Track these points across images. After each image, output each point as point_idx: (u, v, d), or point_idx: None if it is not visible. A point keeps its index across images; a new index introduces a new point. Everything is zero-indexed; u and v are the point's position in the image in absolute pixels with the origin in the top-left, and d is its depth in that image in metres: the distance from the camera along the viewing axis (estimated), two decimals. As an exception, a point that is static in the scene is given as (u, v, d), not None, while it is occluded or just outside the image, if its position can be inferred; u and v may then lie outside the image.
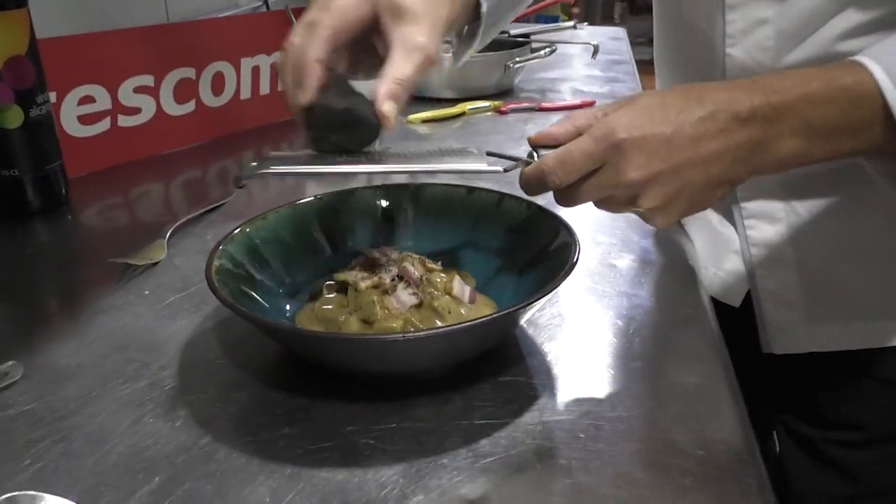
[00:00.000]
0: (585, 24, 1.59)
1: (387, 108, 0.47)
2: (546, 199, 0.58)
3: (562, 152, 0.46)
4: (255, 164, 0.50)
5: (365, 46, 0.52)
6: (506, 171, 0.50)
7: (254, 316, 0.47)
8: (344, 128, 0.48)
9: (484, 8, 0.58)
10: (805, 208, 0.62)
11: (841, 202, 0.61)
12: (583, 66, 1.42)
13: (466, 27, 0.60)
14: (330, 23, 0.47)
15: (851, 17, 0.53)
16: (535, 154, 0.49)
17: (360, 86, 0.52)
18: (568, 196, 0.48)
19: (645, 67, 1.45)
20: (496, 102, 1.12)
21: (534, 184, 0.48)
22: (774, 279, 0.65)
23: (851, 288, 0.63)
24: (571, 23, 1.45)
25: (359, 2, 0.48)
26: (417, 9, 0.48)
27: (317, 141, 0.50)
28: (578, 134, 0.47)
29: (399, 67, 0.47)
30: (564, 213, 0.55)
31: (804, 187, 0.62)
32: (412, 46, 0.48)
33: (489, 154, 0.52)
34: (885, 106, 0.45)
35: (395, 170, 0.51)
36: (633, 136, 0.44)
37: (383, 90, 0.47)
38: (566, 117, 0.49)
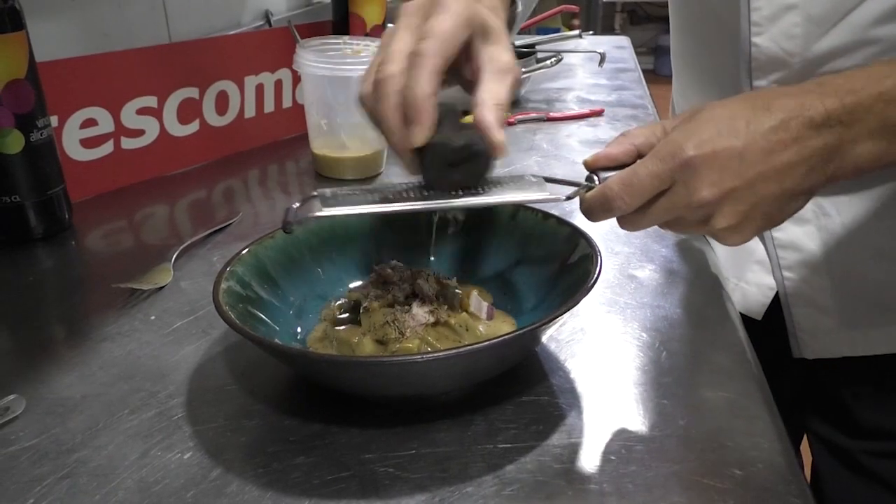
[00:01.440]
0: (591, 32, 1.58)
1: (501, 136, 0.43)
2: (561, 209, 0.56)
3: (627, 175, 0.43)
4: (298, 205, 0.46)
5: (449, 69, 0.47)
6: (568, 198, 0.47)
7: (264, 340, 0.45)
8: (464, 163, 0.44)
9: (519, 8, 0.56)
10: (834, 208, 0.60)
11: (872, 201, 0.59)
12: (588, 75, 1.41)
13: None
14: (437, 51, 0.42)
15: (883, 0, 0.51)
16: (595, 177, 0.46)
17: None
18: (634, 221, 0.45)
19: (647, 77, 1.43)
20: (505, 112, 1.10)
21: (597, 210, 0.45)
22: (804, 282, 0.63)
23: (884, 288, 0.60)
24: (576, 32, 1.44)
25: (459, 25, 0.43)
26: (497, 26, 0.45)
27: (435, 180, 0.46)
28: (638, 153, 0.45)
29: (495, 91, 0.43)
30: (581, 222, 0.53)
31: (832, 186, 0.59)
32: (503, 68, 0.44)
33: (547, 180, 0.48)
34: None
35: (453, 205, 0.46)
36: (704, 152, 0.41)
37: (492, 118, 0.43)
38: (623, 136, 0.46)
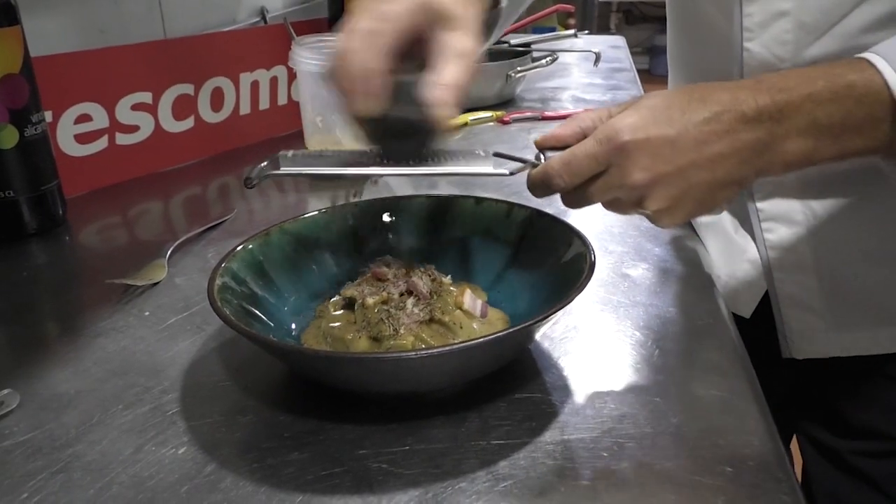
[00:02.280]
0: (586, 32, 1.59)
1: (445, 113, 0.45)
2: (556, 208, 0.57)
3: (567, 155, 0.46)
4: (264, 164, 0.49)
5: (406, 51, 0.50)
6: (512, 174, 0.49)
7: (259, 336, 0.45)
8: (411, 136, 0.47)
9: (503, 3, 0.57)
10: (824, 210, 0.60)
11: (860, 203, 0.59)
12: (584, 74, 1.41)
13: (485, 16, 0.59)
14: (391, 31, 0.45)
15: (874, 9, 0.52)
16: (541, 156, 0.48)
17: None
18: (574, 198, 0.47)
19: (642, 76, 1.44)
20: (498, 112, 1.11)
21: (540, 186, 0.48)
22: (793, 283, 0.63)
23: (874, 291, 0.61)
24: (571, 32, 1.44)
25: (413, 9, 0.46)
26: (461, 13, 0.47)
27: (383, 149, 0.49)
28: (584, 135, 0.47)
29: (450, 73, 0.46)
30: (575, 221, 0.54)
31: (822, 187, 0.60)
32: (461, 52, 0.46)
33: (496, 155, 0.51)
34: (893, 103, 0.44)
35: (401, 172, 0.50)
36: (637, 137, 0.44)
37: (437, 95, 0.45)
38: (572, 119, 0.48)
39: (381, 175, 0.51)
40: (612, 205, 0.47)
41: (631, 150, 0.44)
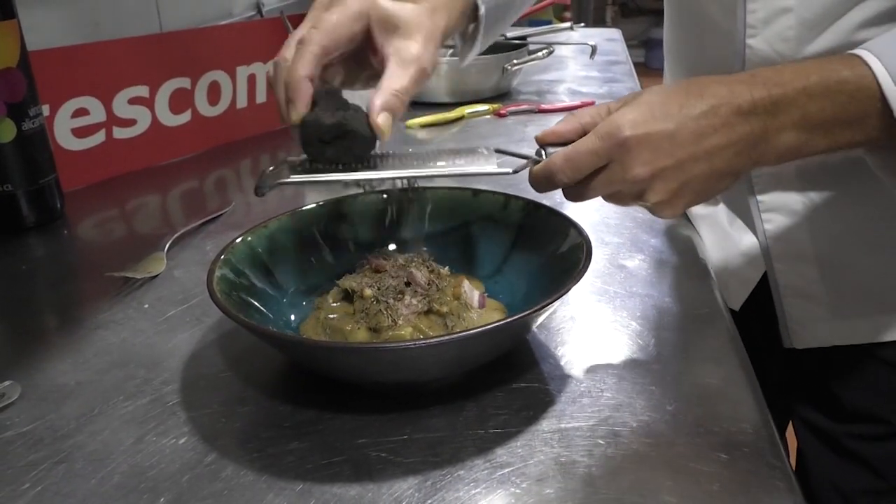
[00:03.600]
0: (582, 24, 1.59)
1: (381, 119, 0.47)
2: (552, 199, 0.57)
3: (569, 151, 0.47)
4: (271, 169, 0.50)
5: (360, 60, 0.52)
6: (515, 171, 0.50)
7: (258, 326, 0.45)
8: (337, 141, 0.48)
9: (482, 11, 0.58)
10: (823, 200, 0.61)
11: (859, 193, 0.60)
12: (580, 67, 1.41)
13: (471, 27, 0.59)
14: (319, 40, 0.47)
15: (874, 5, 0.53)
16: (542, 152, 0.49)
17: (357, 97, 0.51)
18: (576, 193, 0.48)
19: (638, 69, 1.44)
20: (495, 105, 1.11)
21: (542, 182, 0.49)
22: (793, 273, 0.64)
23: (873, 279, 0.62)
24: (567, 24, 1.44)
25: (350, 18, 0.48)
26: (411, 21, 0.49)
27: (312, 155, 0.50)
28: (584, 131, 0.47)
29: (395, 80, 0.48)
30: (571, 213, 0.54)
31: (821, 178, 0.61)
32: (407, 59, 0.48)
33: (497, 151, 0.51)
34: (882, 98, 0.45)
35: (409, 174, 0.51)
36: (638, 132, 0.44)
37: (378, 102, 0.47)
38: (571, 115, 0.49)
39: (389, 178, 0.51)
40: (613, 198, 0.48)
41: (632, 145, 0.44)
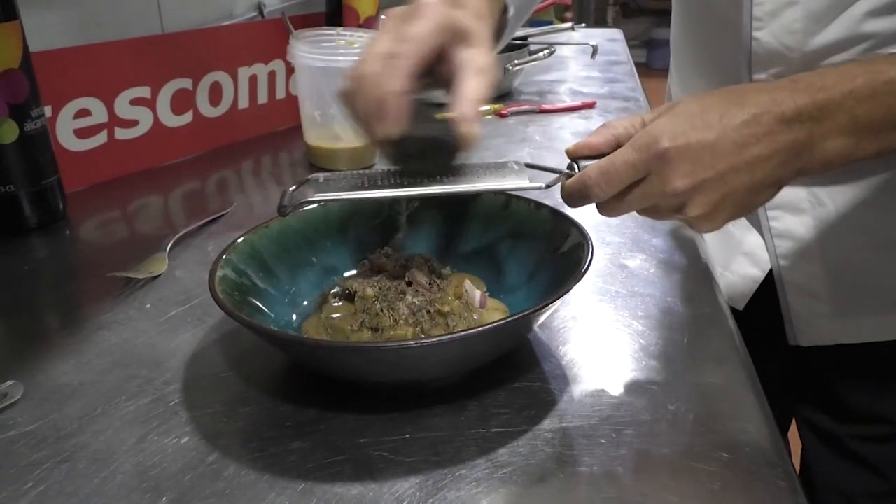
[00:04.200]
0: (583, 25, 1.59)
1: (473, 129, 0.45)
2: (554, 200, 0.57)
3: (605, 164, 0.45)
4: (293, 188, 0.49)
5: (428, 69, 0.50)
6: (548, 186, 0.49)
7: (260, 326, 0.45)
8: (428, 153, 0.48)
9: (511, 12, 0.58)
10: (830, 198, 0.61)
11: (866, 191, 0.60)
12: (581, 67, 1.41)
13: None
14: (412, 53, 0.45)
15: None
16: (575, 165, 0.48)
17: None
18: (611, 207, 0.47)
19: (640, 70, 1.44)
20: (496, 106, 1.11)
21: (576, 196, 0.47)
22: (799, 271, 0.64)
23: (879, 278, 0.61)
24: (568, 25, 1.44)
25: (434, 30, 0.46)
26: (477, 31, 0.48)
27: (407, 169, 0.49)
28: (618, 143, 0.46)
29: (473, 89, 0.46)
30: (573, 212, 0.54)
31: (828, 176, 0.60)
32: (481, 68, 0.46)
33: (528, 166, 0.50)
34: None
35: (439, 192, 0.49)
36: (678, 144, 0.43)
37: (466, 112, 0.45)
38: (604, 126, 0.48)
39: (417, 196, 0.50)
40: (650, 211, 0.47)
41: (671, 156, 0.43)
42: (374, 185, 0.49)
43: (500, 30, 0.59)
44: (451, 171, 0.49)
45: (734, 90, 0.45)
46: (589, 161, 0.47)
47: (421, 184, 0.48)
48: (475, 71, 0.46)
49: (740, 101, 0.44)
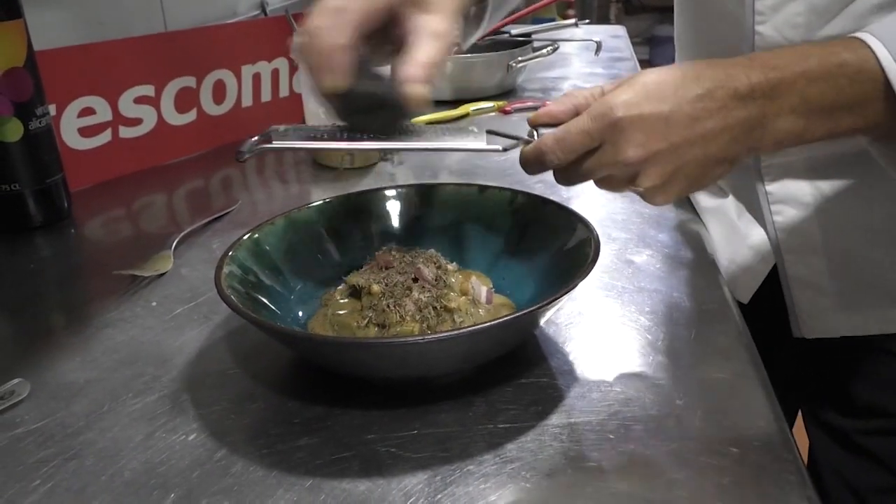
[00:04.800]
0: (587, 21, 1.58)
1: (417, 90, 0.46)
2: (560, 195, 0.57)
3: (560, 131, 0.46)
4: (255, 138, 0.49)
5: (383, 34, 0.51)
6: (505, 149, 0.49)
7: (266, 323, 0.45)
8: (374, 110, 0.48)
9: None
10: (832, 190, 0.61)
11: (869, 183, 0.59)
12: (584, 64, 1.41)
13: (473, 9, 0.59)
14: (359, 7, 0.45)
15: None
16: (535, 133, 0.48)
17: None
18: (567, 175, 0.47)
19: (643, 66, 1.44)
20: (500, 103, 1.11)
21: (533, 163, 0.48)
22: (802, 264, 0.63)
23: (883, 270, 0.61)
24: (571, 21, 1.44)
25: None
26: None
27: (350, 124, 0.49)
28: (577, 112, 0.47)
29: (424, 52, 0.46)
30: (578, 208, 0.54)
31: (831, 168, 0.60)
32: (435, 33, 0.47)
33: (489, 132, 0.51)
34: (886, 82, 0.44)
35: (395, 146, 0.50)
36: (631, 114, 0.43)
37: (411, 72, 0.46)
38: (565, 95, 0.48)
39: (370, 148, 0.51)
40: (605, 182, 0.47)
41: (625, 126, 0.43)
42: (331, 138, 0.49)
43: (478, 15, 0.59)
44: (404, 130, 0.50)
45: (692, 65, 0.46)
46: (548, 129, 0.47)
47: (374, 139, 0.49)
48: (429, 35, 0.46)
49: (696, 76, 0.44)
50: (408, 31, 0.47)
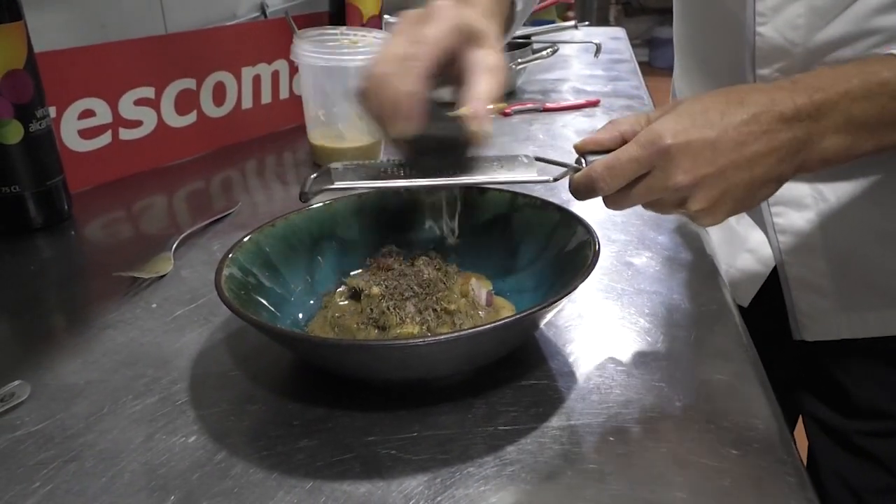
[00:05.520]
0: (586, 23, 1.58)
1: (485, 127, 0.47)
2: (559, 197, 0.57)
3: (610, 159, 0.47)
4: (315, 175, 0.50)
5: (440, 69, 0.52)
6: (555, 180, 0.50)
7: (266, 325, 0.45)
8: (441, 151, 0.49)
9: (519, 7, 0.59)
10: (833, 193, 0.61)
11: (869, 186, 0.60)
12: (584, 66, 1.41)
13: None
14: (426, 55, 0.46)
15: None
16: (582, 160, 0.49)
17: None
18: (617, 201, 0.49)
19: (642, 68, 1.44)
20: (500, 105, 1.10)
21: (584, 190, 0.49)
22: (803, 266, 0.64)
23: (883, 273, 0.61)
24: (571, 23, 1.44)
25: (447, 33, 0.47)
26: (488, 31, 0.49)
27: (421, 166, 0.50)
28: (624, 140, 0.48)
29: (485, 88, 0.47)
30: (578, 210, 0.54)
31: (831, 171, 0.60)
32: (492, 68, 0.48)
33: (538, 159, 0.52)
34: None
35: (455, 182, 0.51)
36: (679, 141, 0.45)
37: (478, 110, 0.47)
38: (611, 123, 0.50)
39: (434, 186, 0.52)
40: (654, 205, 0.49)
41: (673, 153, 0.45)
42: (391, 176, 0.50)
43: (508, 24, 0.60)
44: (462, 164, 0.51)
45: (735, 90, 0.47)
46: (596, 156, 0.48)
47: (435, 176, 0.50)
48: (486, 70, 0.47)
49: (740, 101, 0.46)
50: (465, 67, 0.48)
